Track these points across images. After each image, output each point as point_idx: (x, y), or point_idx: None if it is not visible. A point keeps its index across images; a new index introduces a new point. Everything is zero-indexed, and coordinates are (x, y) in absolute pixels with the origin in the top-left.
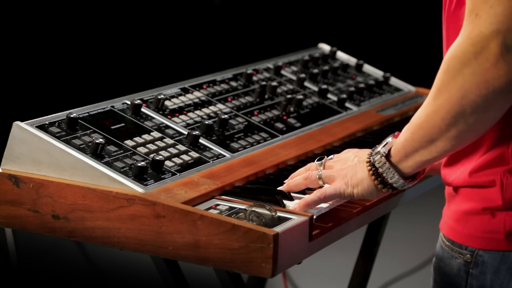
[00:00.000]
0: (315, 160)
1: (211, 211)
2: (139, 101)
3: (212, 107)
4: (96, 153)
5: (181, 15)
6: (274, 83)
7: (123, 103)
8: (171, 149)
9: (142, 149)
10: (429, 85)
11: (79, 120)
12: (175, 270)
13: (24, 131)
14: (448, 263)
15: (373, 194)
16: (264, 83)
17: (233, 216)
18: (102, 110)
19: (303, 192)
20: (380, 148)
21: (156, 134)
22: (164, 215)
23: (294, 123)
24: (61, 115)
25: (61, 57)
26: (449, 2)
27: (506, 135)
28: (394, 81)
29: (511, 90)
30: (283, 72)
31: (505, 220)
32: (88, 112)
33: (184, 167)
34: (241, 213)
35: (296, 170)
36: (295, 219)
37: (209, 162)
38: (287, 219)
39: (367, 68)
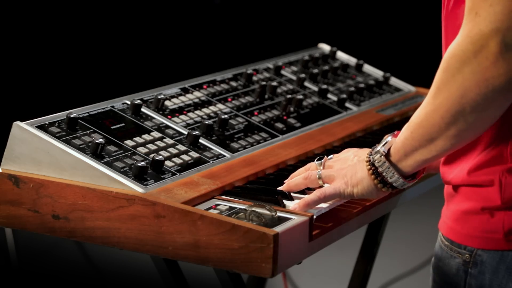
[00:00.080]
0: (315, 160)
1: (211, 211)
2: (139, 101)
3: (212, 107)
4: (96, 153)
5: (181, 15)
6: (274, 83)
7: (123, 103)
8: (171, 149)
9: (142, 149)
10: (429, 85)
11: (79, 120)
12: (175, 270)
13: (24, 131)
14: (447, 263)
15: (373, 194)
16: (264, 83)
17: (233, 216)
18: (102, 110)
19: (303, 192)
20: (379, 147)
21: (156, 134)
22: (164, 215)
23: (294, 123)
24: (61, 115)
25: (61, 57)
26: (448, 0)
27: (504, 133)
28: (394, 81)
29: (510, 89)
30: (283, 72)
31: (504, 219)
32: (88, 112)
33: (184, 167)
34: (241, 213)
35: (296, 170)
36: (295, 219)
37: (209, 162)
38: (287, 219)
39: (367, 68)
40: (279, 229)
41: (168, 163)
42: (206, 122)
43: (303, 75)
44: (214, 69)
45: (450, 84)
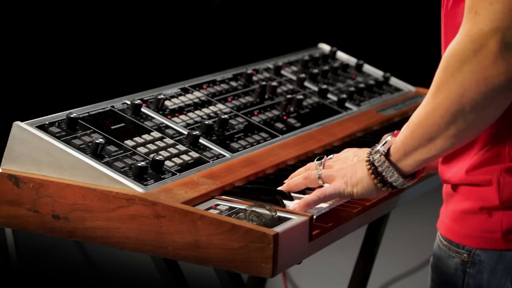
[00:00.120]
0: (315, 160)
1: (211, 211)
2: (139, 101)
3: (212, 107)
4: (96, 153)
5: (181, 15)
6: (274, 83)
7: (123, 103)
8: (171, 149)
9: (142, 149)
10: (429, 85)
11: (79, 120)
12: (175, 270)
13: (24, 131)
14: (446, 263)
15: (373, 193)
16: (264, 83)
17: (233, 216)
18: (102, 110)
19: (303, 192)
20: (379, 147)
21: (156, 134)
22: (164, 215)
23: (294, 123)
24: (61, 115)
25: (61, 57)
26: None
27: (503, 133)
28: (394, 81)
29: (510, 88)
30: (283, 72)
31: (502, 219)
32: (88, 112)
33: (184, 167)
34: (241, 213)
35: (296, 170)
36: (295, 219)
37: (209, 162)
38: (287, 219)
39: (367, 68)
40: (279, 229)
41: (168, 163)
42: (206, 122)
43: (303, 75)
44: (214, 69)
45: (449, 83)
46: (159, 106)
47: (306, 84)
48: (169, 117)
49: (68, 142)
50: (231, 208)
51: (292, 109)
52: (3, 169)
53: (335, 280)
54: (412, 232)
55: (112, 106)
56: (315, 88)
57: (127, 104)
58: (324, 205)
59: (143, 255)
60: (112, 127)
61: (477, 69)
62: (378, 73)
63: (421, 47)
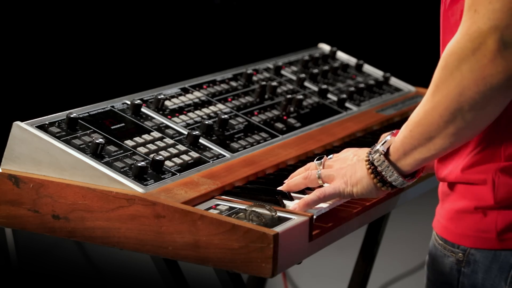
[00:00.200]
0: (315, 160)
1: (211, 211)
2: (139, 101)
3: (212, 107)
4: (96, 153)
5: (181, 15)
6: (274, 83)
7: (123, 103)
8: (171, 149)
9: (142, 149)
10: (428, 85)
11: (79, 120)
12: (175, 270)
13: (24, 131)
14: (441, 262)
15: (373, 193)
16: (264, 83)
17: (233, 216)
18: (102, 110)
19: (303, 192)
20: (379, 146)
21: (156, 134)
22: (164, 215)
23: (294, 123)
24: (61, 115)
25: (61, 57)
26: None
27: (499, 132)
28: (394, 81)
29: (509, 87)
30: (283, 72)
31: (497, 219)
32: (88, 112)
33: (184, 167)
34: (241, 213)
35: (296, 170)
36: (295, 219)
37: (209, 162)
38: (287, 219)
39: (367, 68)
40: (279, 229)
41: (168, 163)
42: (206, 122)
43: (303, 75)
44: (214, 69)
45: (448, 82)
46: (159, 106)
47: (306, 84)
48: (169, 117)
49: (68, 142)
50: (231, 208)
51: (292, 109)
52: (3, 169)
53: (335, 280)
54: (412, 232)
55: (112, 106)
56: (315, 88)
57: (127, 104)
58: (324, 205)
59: (143, 255)
60: (112, 127)
61: (475, 67)
62: (378, 73)
63: (421, 47)
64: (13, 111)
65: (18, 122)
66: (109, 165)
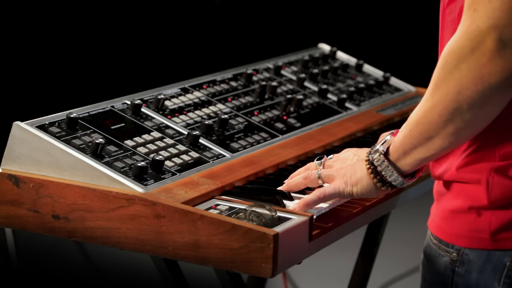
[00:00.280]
0: (315, 160)
1: (211, 211)
2: (139, 101)
3: (212, 107)
4: (96, 153)
5: (181, 15)
6: (274, 83)
7: (123, 103)
8: (171, 149)
9: (142, 149)
10: (428, 85)
11: (79, 120)
12: (175, 270)
13: (24, 131)
14: (435, 261)
15: (372, 193)
16: (264, 83)
17: (233, 216)
18: (102, 110)
19: (303, 192)
20: (378, 146)
21: (156, 134)
22: (164, 215)
23: (294, 123)
24: (61, 115)
25: (61, 57)
26: None
27: (495, 130)
28: (394, 81)
29: (507, 86)
30: (283, 72)
31: (491, 219)
32: (88, 112)
33: (184, 167)
34: (241, 213)
35: (296, 170)
36: (295, 219)
37: (209, 162)
38: (287, 219)
39: (367, 68)
40: (279, 229)
41: (168, 163)
42: (206, 122)
43: (303, 75)
44: (214, 69)
45: (447, 81)
46: (159, 106)
47: (306, 84)
48: (169, 117)
49: (68, 142)
50: (231, 208)
51: (292, 109)
52: (3, 169)
53: (335, 280)
54: (412, 232)
55: (112, 106)
56: (315, 88)
57: (127, 104)
58: (324, 205)
59: (143, 255)
60: (112, 127)
61: (474, 66)
62: (378, 73)
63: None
64: (13, 111)
65: (18, 122)
66: (109, 165)
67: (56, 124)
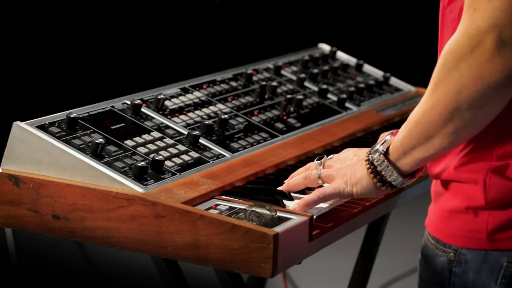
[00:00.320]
0: (315, 160)
1: (211, 211)
2: (139, 101)
3: (212, 107)
4: (96, 153)
5: (181, 15)
6: (274, 83)
7: (123, 103)
8: (171, 149)
9: (142, 149)
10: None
11: (79, 120)
12: (175, 270)
13: (24, 131)
14: (433, 261)
15: (372, 193)
16: (264, 83)
17: (233, 216)
18: (102, 110)
19: (303, 192)
20: (378, 146)
21: (156, 134)
22: (164, 215)
23: (294, 123)
24: (61, 115)
25: (61, 57)
26: None
27: (493, 130)
28: (394, 81)
29: (507, 85)
30: (283, 72)
31: (488, 220)
32: (88, 112)
33: (184, 167)
34: (241, 213)
35: (296, 170)
36: (295, 219)
37: (209, 162)
38: (287, 219)
39: (367, 68)
40: (279, 229)
41: (168, 163)
42: (206, 122)
43: (303, 75)
44: (214, 69)
45: (447, 80)
46: (159, 106)
47: (306, 84)
48: (169, 117)
49: (68, 142)
50: (231, 208)
51: (292, 109)
52: (3, 169)
53: (335, 280)
54: (412, 232)
55: (112, 106)
56: (315, 88)
57: (127, 104)
58: (324, 205)
59: (143, 255)
60: (112, 127)
61: (473, 66)
62: (378, 73)
63: (421, 47)
64: (13, 111)
65: (18, 122)
66: (109, 165)
67: (56, 124)
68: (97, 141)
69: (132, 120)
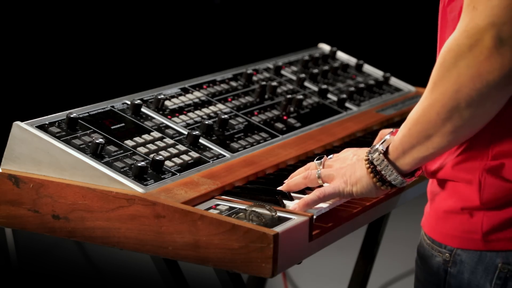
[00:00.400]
0: (315, 160)
1: (211, 211)
2: (139, 101)
3: (212, 107)
4: (96, 153)
5: (181, 15)
6: (274, 83)
7: (123, 103)
8: (171, 149)
9: (142, 149)
10: None
11: (79, 120)
12: (175, 270)
13: (24, 131)
14: (429, 261)
15: (372, 192)
16: (264, 83)
17: (233, 216)
18: (102, 110)
19: (303, 192)
20: (378, 145)
21: (156, 134)
22: (164, 215)
23: (294, 123)
24: (61, 115)
25: (61, 57)
26: None
27: (489, 129)
28: (394, 81)
29: (506, 84)
30: (283, 72)
31: (483, 220)
32: (88, 112)
33: (184, 167)
34: (241, 213)
35: (296, 170)
36: (295, 219)
37: (209, 162)
38: (287, 219)
39: (367, 68)
40: (279, 229)
41: (168, 163)
42: (206, 122)
43: (303, 75)
44: (214, 69)
45: (445, 78)
46: (159, 106)
47: (306, 84)
48: (169, 117)
49: (68, 142)
50: (231, 208)
51: (292, 109)
52: (3, 169)
53: (335, 280)
54: (412, 232)
55: (112, 106)
56: (315, 88)
57: (127, 104)
58: (324, 205)
59: (143, 255)
60: (112, 127)
61: (472, 64)
62: (378, 73)
63: (421, 47)
64: (13, 111)
65: (18, 122)
66: (109, 165)
67: (56, 124)
68: (97, 141)
69: (132, 120)
